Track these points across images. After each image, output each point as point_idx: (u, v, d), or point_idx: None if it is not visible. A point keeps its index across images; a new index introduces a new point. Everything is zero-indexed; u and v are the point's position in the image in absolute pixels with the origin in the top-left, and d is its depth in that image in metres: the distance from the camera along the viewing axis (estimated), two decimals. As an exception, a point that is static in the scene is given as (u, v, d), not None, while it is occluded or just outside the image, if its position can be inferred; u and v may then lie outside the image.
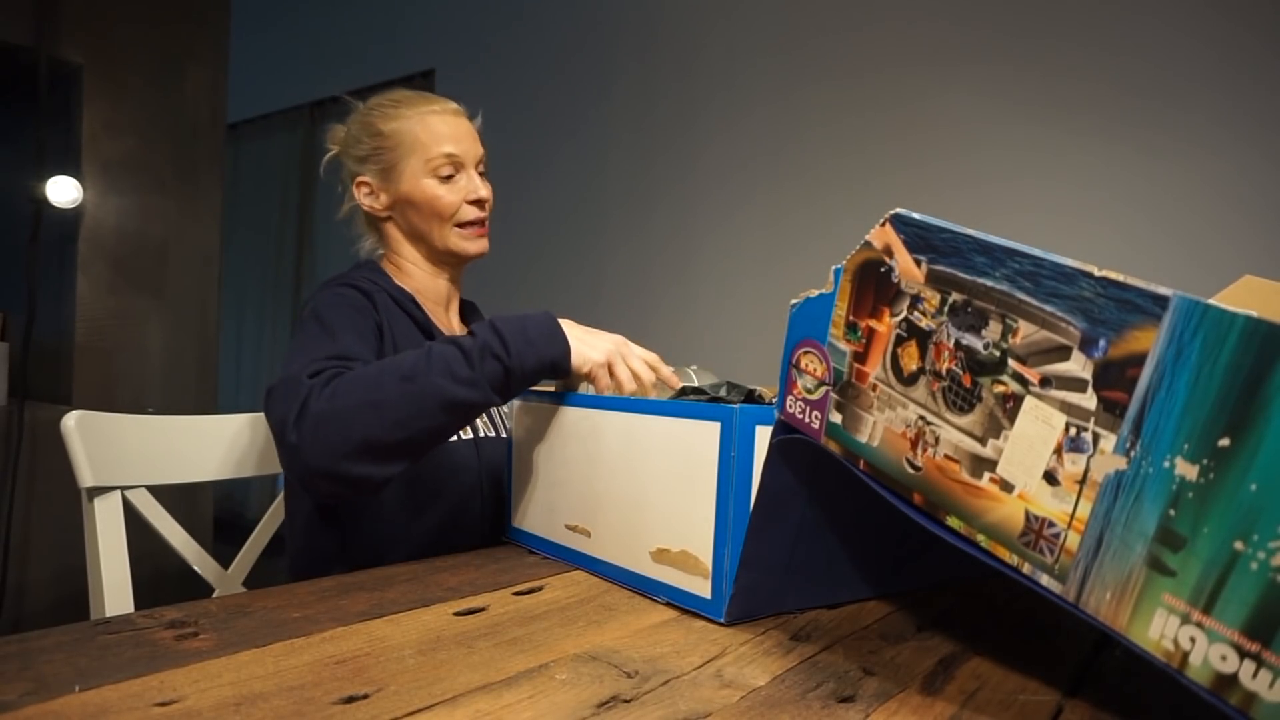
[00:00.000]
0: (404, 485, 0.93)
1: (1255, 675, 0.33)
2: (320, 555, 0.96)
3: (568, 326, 0.83)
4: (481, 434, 0.99)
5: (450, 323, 1.12)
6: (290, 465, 0.75)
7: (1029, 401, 0.42)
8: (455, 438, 0.96)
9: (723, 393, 0.85)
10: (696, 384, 0.87)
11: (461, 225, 1.04)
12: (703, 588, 0.64)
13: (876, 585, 0.72)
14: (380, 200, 1.06)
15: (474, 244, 1.06)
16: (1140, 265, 1.75)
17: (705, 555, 0.63)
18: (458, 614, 0.62)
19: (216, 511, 2.34)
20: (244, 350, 4.15)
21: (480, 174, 1.06)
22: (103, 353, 1.94)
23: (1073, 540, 0.40)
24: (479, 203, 1.05)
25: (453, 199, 1.03)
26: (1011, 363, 0.42)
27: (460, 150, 1.03)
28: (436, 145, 1.02)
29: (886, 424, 0.49)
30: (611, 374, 0.82)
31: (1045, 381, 0.41)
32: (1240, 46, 1.70)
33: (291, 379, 0.77)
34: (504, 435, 1.02)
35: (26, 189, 1.83)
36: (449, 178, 1.03)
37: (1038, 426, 0.41)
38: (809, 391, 0.54)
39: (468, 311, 1.19)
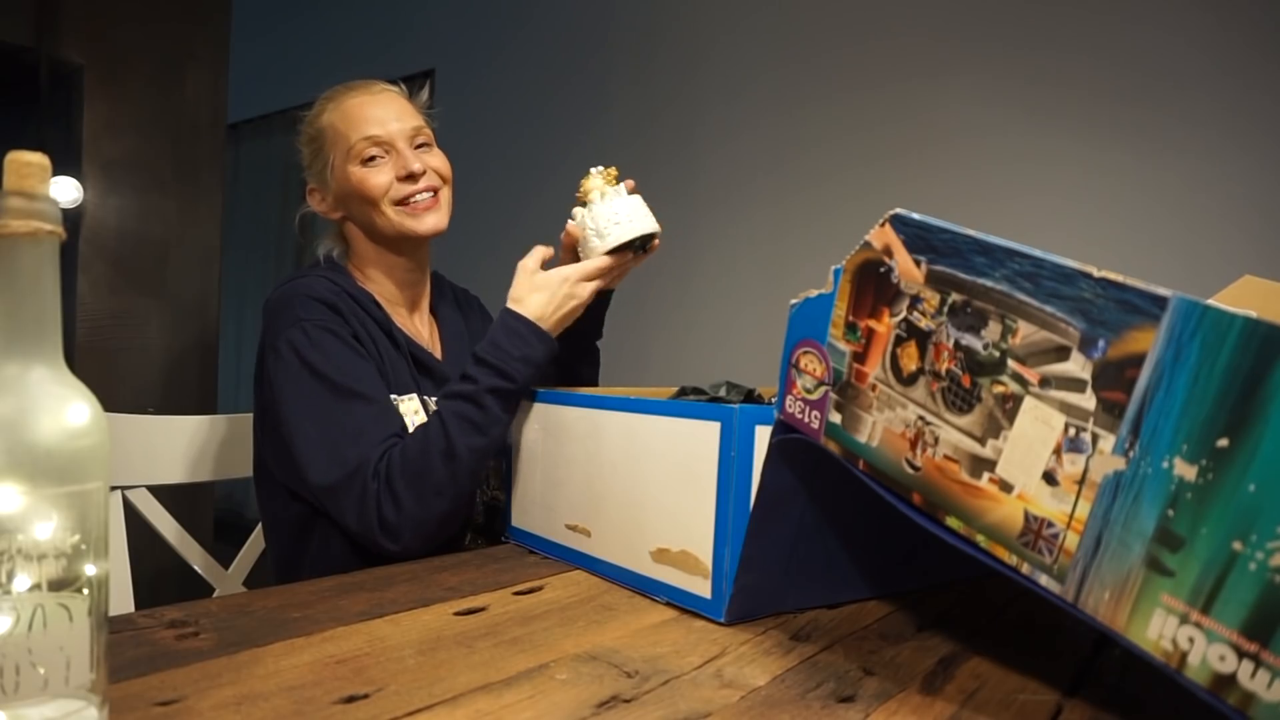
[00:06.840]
0: None
1: (1254, 675, 0.33)
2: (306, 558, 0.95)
3: (526, 305, 0.88)
4: None
5: (417, 327, 1.07)
6: (387, 552, 0.83)
7: (1028, 402, 0.42)
8: None
9: (723, 393, 0.85)
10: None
11: (400, 203, 0.98)
12: (703, 588, 0.64)
13: (876, 585, 0.72)
14: (327, 202, 1.02)
15: (421, 220, 0.98)
16: (1139, 266, 1.75)
17: (705, 555, 0.64)
18: (458, 614, 0.62)
19: (216, 511, 2.34)
20: (244, 350, 4.15)
21: (421, 146, 1.00)
22: (103, 353, 1.94)
23: (1071, 540, 0.40)
24: (411, 177, 0.97)
25: (380, 180, 0.97)
26: (1011, 363, 0.42)
27: (383, 130, 0.97)
28: (354, 132, 0.97)
29: (886, 424, 0.49)
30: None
31: (1044, 382, 0.41)
32: (1237, 49, 1.70)
33: (351, 477, 0.83)
34: None
35: (27, 189, 1.83)
36: (372, 159, 0.97)
37: (1037, 427, 0.41)
38: (808, 391, 0.54)
39: (438, 294, 1.14)
